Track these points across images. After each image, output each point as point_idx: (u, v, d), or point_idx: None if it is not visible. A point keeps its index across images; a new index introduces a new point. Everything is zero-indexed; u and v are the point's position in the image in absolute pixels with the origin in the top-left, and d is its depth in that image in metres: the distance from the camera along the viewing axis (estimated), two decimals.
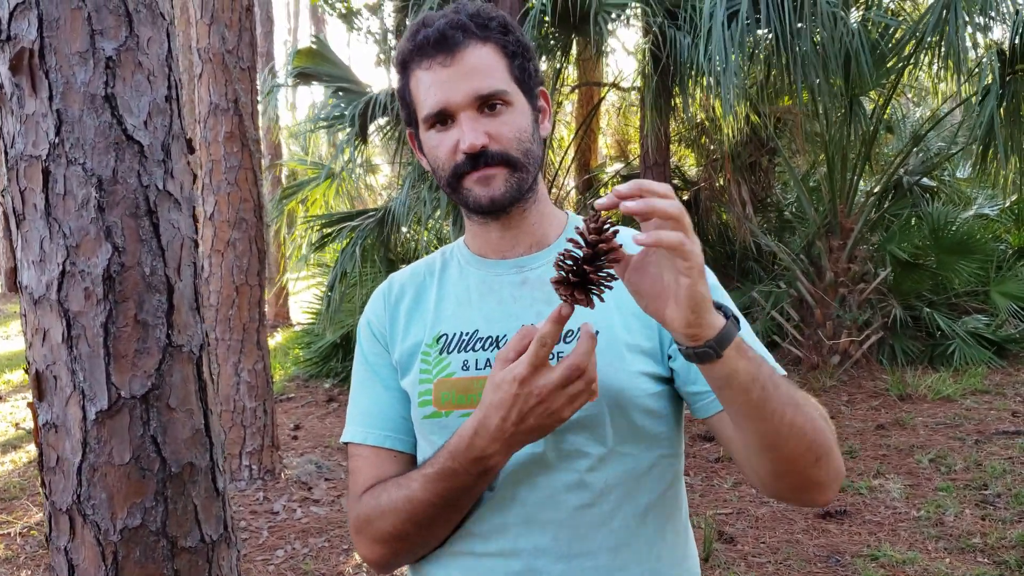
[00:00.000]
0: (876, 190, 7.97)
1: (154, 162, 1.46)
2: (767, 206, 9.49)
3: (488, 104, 1.13)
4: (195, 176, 1.58)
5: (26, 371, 1.49)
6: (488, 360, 1.15)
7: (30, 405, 1.49)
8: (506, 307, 1.18)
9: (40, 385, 1.45)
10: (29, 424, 7.29)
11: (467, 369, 1.16)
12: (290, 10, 34.68)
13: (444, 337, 1.19)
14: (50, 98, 1.39)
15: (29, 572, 4.24)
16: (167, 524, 1.47)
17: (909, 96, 10.49)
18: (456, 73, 1.12)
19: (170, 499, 1.47)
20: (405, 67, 1.18)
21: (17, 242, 1.47)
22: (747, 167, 9.04)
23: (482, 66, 1.13)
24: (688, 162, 10.50)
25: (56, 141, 1.40)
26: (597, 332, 1.09)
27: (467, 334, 1.18)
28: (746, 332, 1.08)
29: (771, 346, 8.31)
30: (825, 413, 1.08)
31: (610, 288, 0.99)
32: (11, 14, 1.40)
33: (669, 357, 1.14)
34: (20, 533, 4.76)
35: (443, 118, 1.13)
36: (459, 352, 1.17)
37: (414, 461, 1.22)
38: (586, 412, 1.08)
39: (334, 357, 8.74)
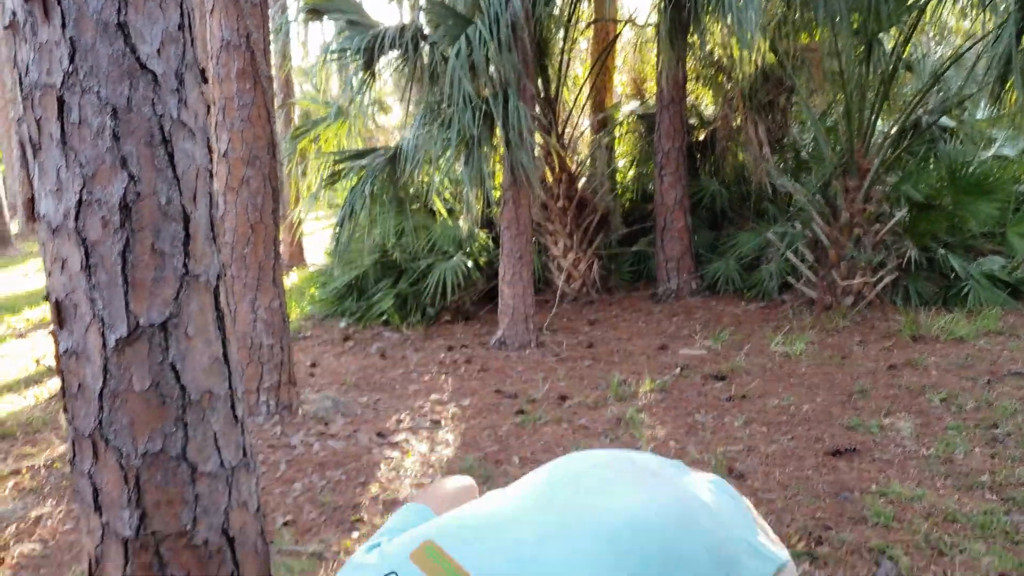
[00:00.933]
0: (894, 130, 7.87)
1: (168, 91, 1.46)
2: (784, 146, 9.40)
3: None
4: (209, 107, 1.58)
5: (46, 299, 1.51)
6: None
7: (52, 333, 1.52)
8: None
9: (60, 313, 1.47)
10: (50, 360, 7.41)
11: None
12: None
13: None
14: (63, 25, 1.39)
15: (54, 502, 4.35)
16: (187, 449, 1.51)
17: (930, 35, 10.29)
18: None
19: (190, 425, 1.50)
20: None
21: (34, 172, 1.48)
22: (764, 106, 8.93)
23: None
24: (705, 101, 10.36)
25: (70, 69, 1.39)
26: None
27: None
28: None
29: (785, 287, 8.30)
30: None
31: None
32: None
33: None
34: (44, 465, 4.86)
35: None
36: None
37: None
38: None
39: (349, 297, 8.79)
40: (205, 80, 1.56)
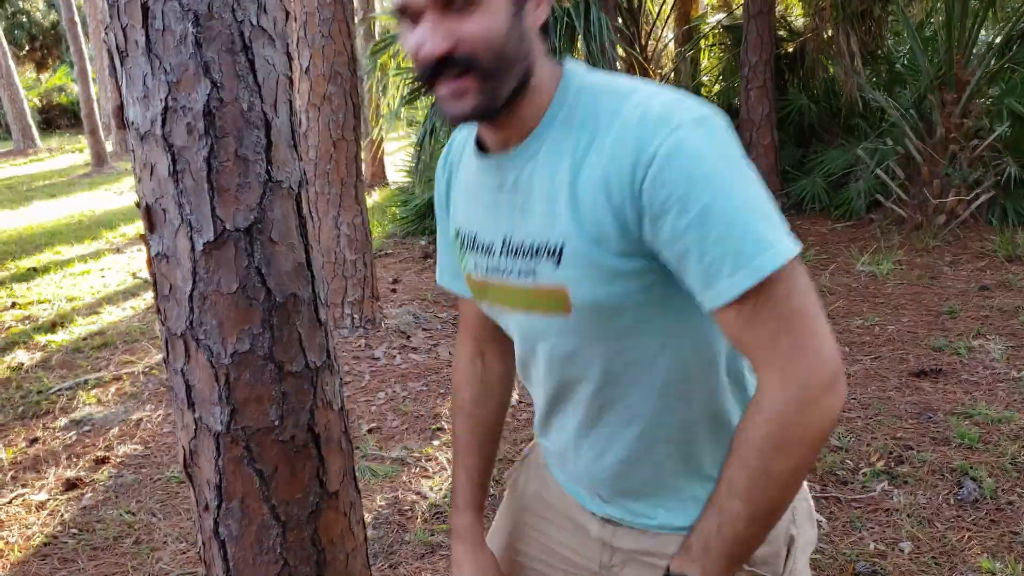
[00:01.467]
0: (999, 40, 7.44)
1: None
2: (877, 59, 8.99)
3: (449, 2, 0.97)
4: (288, 13, 1.59)
5: (137, 205, 1.57)
6: (488, 267, 1.18)
7: (142, 237, 1.58)
8: (491, 213, 1.16)
9: (151, 218, 1.53)
10: (145, 274, 7.71)
11: (476, 270, 1.22)
12: None
13: (460, 233, 1.25)
14: None
15: (152, 406, 4.58)
16: (274, 350, 1.56)
17: None
18: None
19: (276, 327, 1.56)
20: None
21: (122, 79, 1.51)
22: (857, 16, 8.53)
23: None
24: (795, 11, 9.94)
25: None
26: (562, 246, 1.04)
27: (472, 236, 1.22)
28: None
29: (874, 205, 8.03)
30: (754, 443, 0.97)
31: None
32: None
33: (648, 250, 1.01)
34: (143, 372, 5.12)
35: (409, 14, 1.00)
36: (470, 252, 1.23)
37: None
38: (564, 325, 1.11)
39: (429, 215, 8.86)
40: None
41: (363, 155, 9.24)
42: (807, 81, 9.13)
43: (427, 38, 0.97)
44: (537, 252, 1.07)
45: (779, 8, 9.26)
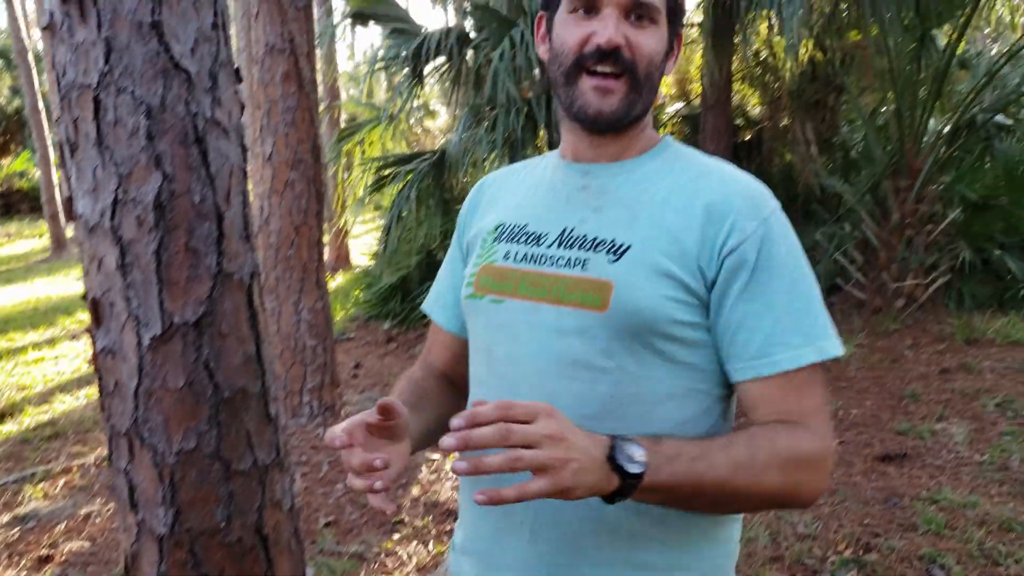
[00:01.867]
0: (947, 129, 7.69)
1: (202, 90, 1.46)
2: (832, 146, 9.24)
3: (638, 14, 1.11)
4: (243, 106, 1.59)
5: (84, 298, 1.53)
6: (527, 255, 1.18)
7: (88, 331, 1.53)
8: (558, 208, 1.20)
9: (97, 312, 1.49)
10: None
11: (507, 259, 1.21)
12: None
13: (502, 227, 1.25)
14: (99, 26, 1.40)
15: (103, 500, 4.42)
16: (221, 447, 1.51)
17: (986, 32, 10.04)
18: None
19: (223, 423, 1.51)
20: None
21: (71, 171, 1.49)
22: (812, 105, 8.79)
23: None
24: (751, 101, 10.24)
25: (105, 69, 1.41)
26: (629, 246, 1.10)
27: (519, 227, 1.22)
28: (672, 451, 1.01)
29: (834, 289, 8.15)
30: (789, 449, 1.05)
31: None
32: None
33: (710, 291, 1.11)
34: (95, 463, 4.96)
35: (590, 6, 1.12)
36: (507, 242, 1.22)
37: (455, 340, 1.36)
38: (595, 322, 1.09)
39: (393, 299, 8.83)
40: (239, 79, 1.56)
41: (326, 239, 9.24)
42: (765, 168, 9.34)
43: (609, 29, 1.09)
44: (597, 245, 1.12)
45: (736, 98, 9.52)
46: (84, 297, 1.53)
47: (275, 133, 5.08)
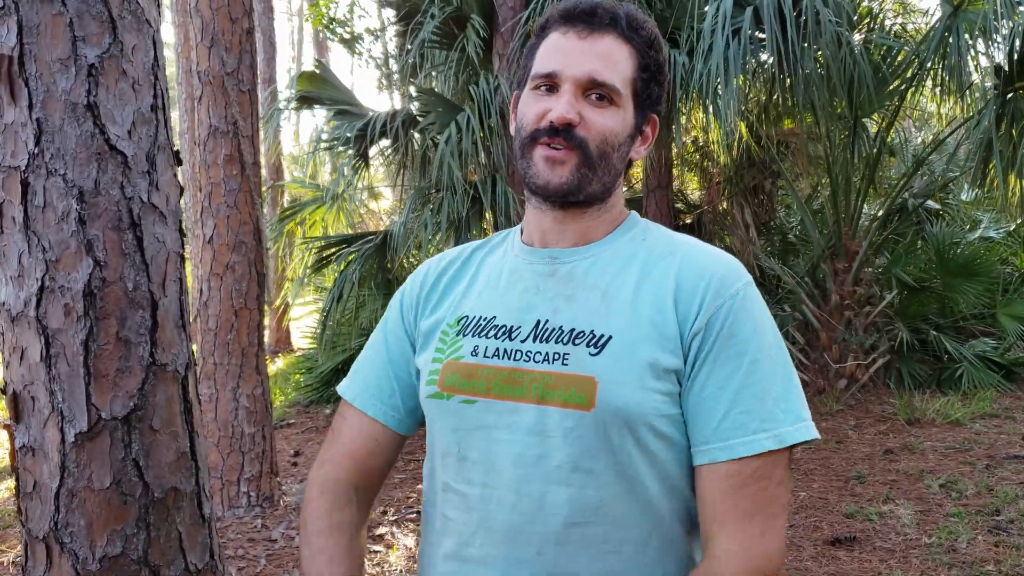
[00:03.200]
0: (880, 213, 7.92)
1: (138, 173, 1.40)
2: (771, 229, 9.44)
3: (597, 93, 1.11)
4: (182, 189, 1.53)
5: (3, 391, 1.43)
6: (499, 350, 1.12)
7: (6, 427, 1.43)
8: (527, 298, 1.15)
9: (17, 406, 1.39)
10: None
11: (475, 355, 1.14)
12: (294, 38, 34.92)
13: (465, 319, 1.18)
14: (30, 106, 1.34)
15: None
16: (149, 552, 1.40)
17: (911, 120, 10.46)
18: (586, 49, 1.11)
19: (153, 526, 1.40)
20: (543, 29, 1.18)
21: None
22: (750, 190, 9.00)
23: (612, 57, 1.12)
24: (691, 186, 10.46)
25: (36, 151, 1.34)
26: (610, 337, 1.06)
27: (485, 319, 1.16)
28: None
29: None
30: None
31: None
32: None
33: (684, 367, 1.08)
34: (13, 562, 4.67)
35: (551, 83, 1.12)
36: (474, 336, 1.15)
37: (393, 436, 1.26)
38: (580, 422, 1.04)
39: (335, 382, 8.64)
40: (179, 162, 1.51)
41: (266, 322, 9.07)
42: None
43: (564, 106, 1.09)
44: (576, 338, 1.08)
45: (676, 183, 9.72)
46: (3, 390, 1.43)
47: (216, 215, 5.00)
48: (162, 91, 1.46)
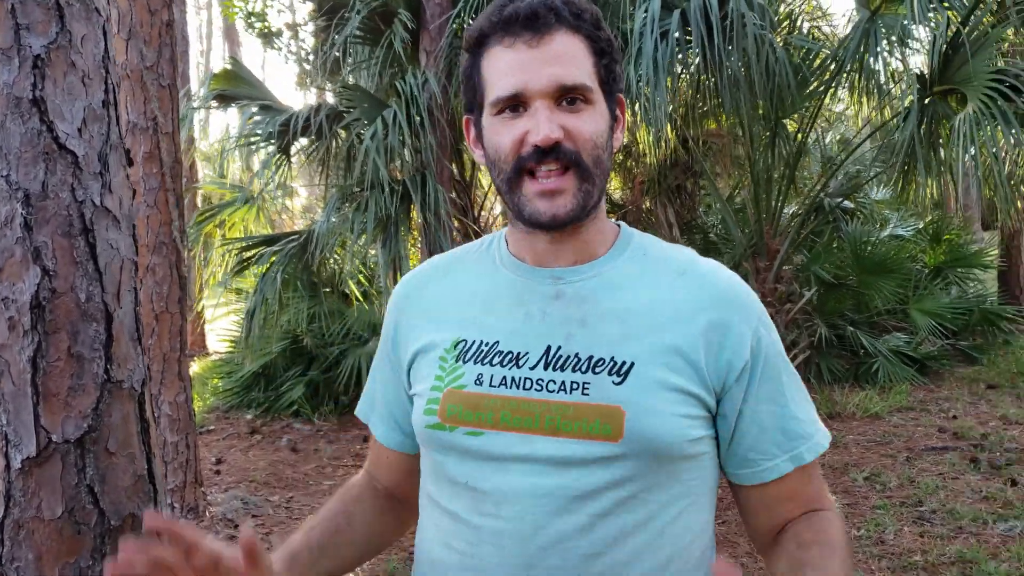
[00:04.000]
0: (799, 212, 8.10)
1: (90, 174, 1.29)
2: (693, 228, 9.58)
3: (569, 98, 1.02)
4: (134, 192, 1.42)
5: None
6: (507, 378, 1.05)
7: None
8: (533, 322, 1.08)
9: None
10: None
11: (479, 384, 1.07)
12: (203, 31, 34.00)
13: (463, 344, 1.10)
14: None
15: None
16: None
17: (820, 121, 10.76)
18: (541, 56, 1.01)
19: (109, 556, 1.30)
20: (481, 43, 1.07)
21: None
22: (673, 190, 9.12)
23: (570, 55, 1.03)
24: (614, 185, 10.54)
25: None
26: (632, 364, 1.02)
27: (487, 344, 1.08)
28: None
29: None
30: (843, 544, 1.09)
31: None
32: None
33: (719, 405, 1.07)
34: None
35: (516, 104, 1.02)
36: (476, 363, 1.08)
37: (399, 458, 1.23)
38: (608, 452, 1.00)
39: (256, 387, 8.41)
40: (130, 162, 1.40)
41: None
42: None
43: (542, 124, 0.99)
44: (596, 366, 1.03)
45: None
46: None
47: (136, 215, 4.78)
48: (113, 86, 1.35)
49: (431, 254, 6.50)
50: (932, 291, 8.62)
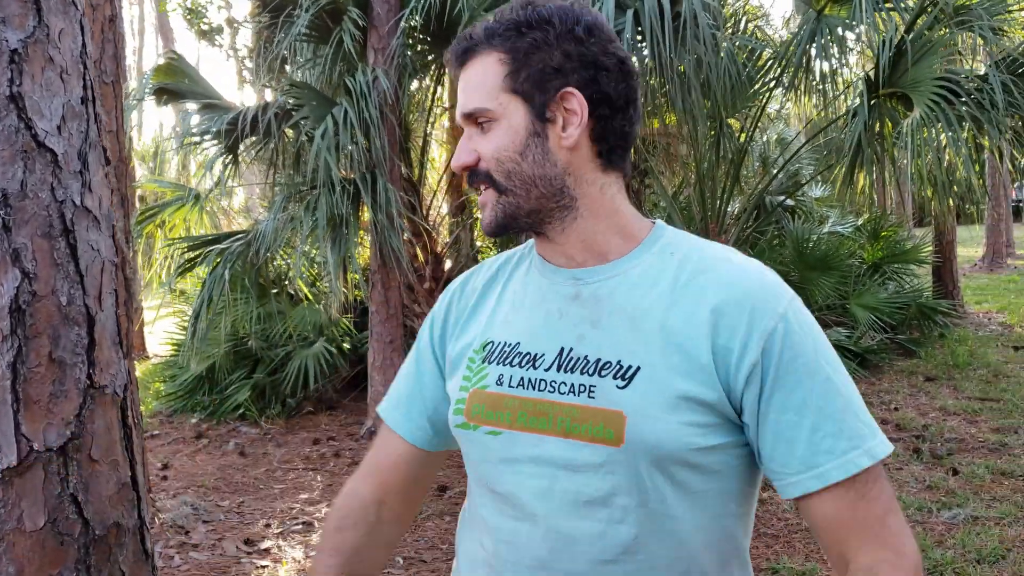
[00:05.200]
0: (744, 210, 8.24)
1: (70, 173, 1.25)
2: None
3: (478, 122, 1.07)
4: (113, 191, 1.38)
5: None
6: (524, 379, 1.06)
7: None
8: (551, 322, 1.08)
9: None
10: None
11: (500, 384, 1.09)
12: (135, 27, 33.20)
13: (490, 346, 1.13)
14: None
15: None
16: None
17: (771, 120, 10.95)
18: (462, 86, 1.09)
19: (94, 567, 1.25)
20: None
21: None
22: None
23: (475, 81, 1.08)
24: None
25: None
26: (638, 368, 1.00)
27: (509, 345, 1.10)
28: None
29: None
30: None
31: None
32: None
33: (740, 411, 1.01)
34: None
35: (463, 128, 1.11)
36: (499, 364, 1.10)
37: (418, 453, 1.23)
38: (609, 458, 0.99)
39: (200, 390, 8.25)
40: (108, 161, 1.36)
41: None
42: None
43: (457, 152, 1.08)
44: (603, 369, 1.02)
45: None
46: None
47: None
48: (91, 82, 1.31)
49: (381, 253, 6.46)
50: (871, 287, 8.84)
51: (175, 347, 9.53)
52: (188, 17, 11.05)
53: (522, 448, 1.05)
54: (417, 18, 6.34)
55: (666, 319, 1.02)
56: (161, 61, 7.76)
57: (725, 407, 1.00)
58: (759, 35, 8.03)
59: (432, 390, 1.22)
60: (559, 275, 1.11)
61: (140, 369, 11.37)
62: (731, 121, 8.09)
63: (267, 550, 4.59)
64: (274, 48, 7.18)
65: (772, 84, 7.36)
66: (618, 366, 1.01)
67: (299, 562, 4.40)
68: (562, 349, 1.06)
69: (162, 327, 12.70)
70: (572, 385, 1.03)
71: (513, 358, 1.09)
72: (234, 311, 7.63)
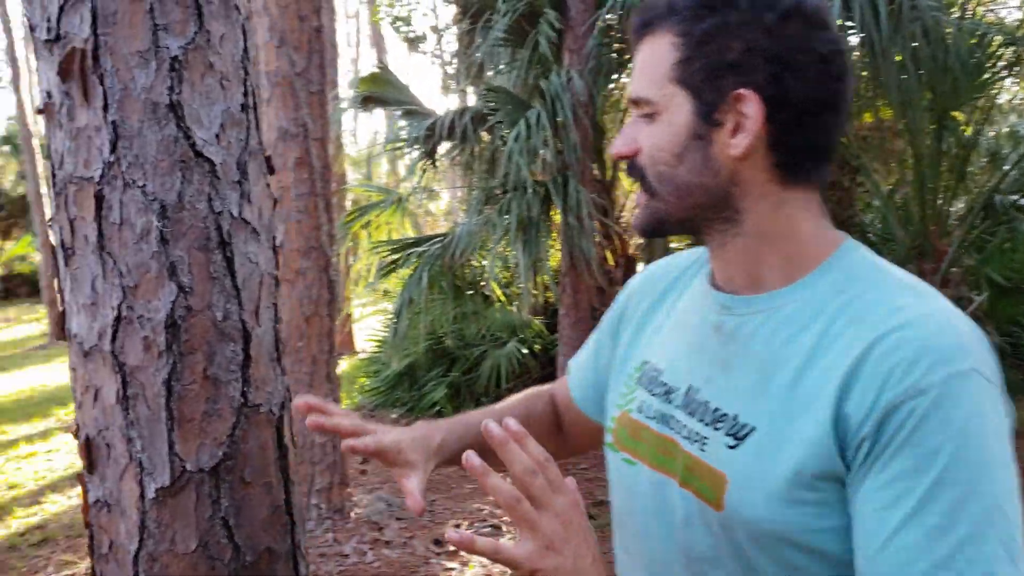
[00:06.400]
0: (969, 210, 7.51)
1: (228, 184, 1.21)
2: (850, 227, 9.04)
3: (641, 112, 0.94)
4: (275, 202, 1.33)
5: (75, 435, 1.25)
6: (658, 413, 0.97)
7: (79, 477, 1.25)
8: (691, 355, 0.96)
9: (91, 455, 1.20)
10: None
11: (640, 412, 1.01)
12: (350, 39, 35.10)
13: (645, 366, 1.04)
14: (105, 108, 1.15)
15: None
16: None
17: (1005, 114, 10.00)
18: (634, 67, 0.96)
19: None
20: None
21: (65, 282, 1.22)
22: (828, 187, 8.64)
23: (645, 63, 0.93)
24: None
25: (111, 160, 1.15)
26: (753, 428, 0.85)
27: (656, 371, 1.01)
28: None
29: None
30: None
31: None
32: (61, 8, 1.16)
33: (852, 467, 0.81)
34: (84, 573, 4.58)
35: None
36: (644, 389, 1.03)
37: (580, 413, 1.21)
38: (713, 520, 0.86)
39: (400, 386, 8.52)
40: (271, 170, 1.31)
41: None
42: None
43: (620, 136, 0.95)
44: (719, 421, 0.89)
45: None
46: (75, 434, 1.25)
47: (287, 220, 4.86)
48: (252, 88, 1.27)
49: (571, 256, 6.37)
50: None
51: (379, 344, 9.91)
52: (395, 24, 11.45)
53: (650, 486, 0.97)
54: (613, 16, 6.19)
55: (802, 375, 0.84)
56: (371, 70, 8.08)
57: (840, 475, 0.81)
58: (988, 19, 7.30)
59: (602, 371, 1.16)
60: (711, 298, 0.98)
61: (348, 364, 11.93)
62: (955, 114, 7.40)
63: (455, 552, 4.60)
64: (472, 53, 7.28)
65: (1003, 73, 6.65)
66: (734, 422, 0.88)
67: (485, 566, 4.37)
68: (690, 388, 0.95)
69: (369, 324, 13.28)
70: (691, 431, 0.93)
71: (656, 386, 1.00)
72: (432, 311, 7.81)
